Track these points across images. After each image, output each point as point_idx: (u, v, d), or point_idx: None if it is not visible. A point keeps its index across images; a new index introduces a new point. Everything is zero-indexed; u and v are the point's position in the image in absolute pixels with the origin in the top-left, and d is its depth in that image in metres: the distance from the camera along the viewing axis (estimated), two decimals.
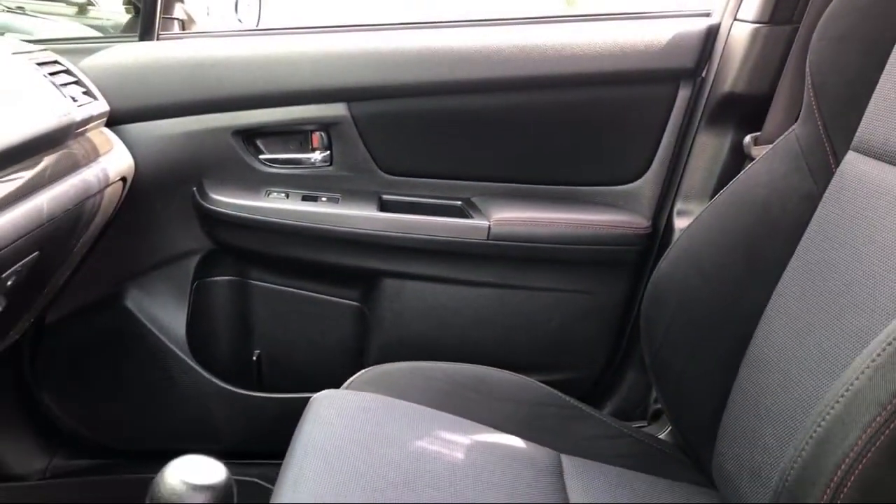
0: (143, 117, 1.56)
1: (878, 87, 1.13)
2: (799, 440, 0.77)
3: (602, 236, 1.61)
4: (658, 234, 1.63)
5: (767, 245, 1.21)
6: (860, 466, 0.72)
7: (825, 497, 0.73)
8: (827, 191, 1.16)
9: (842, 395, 0.75)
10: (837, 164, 1.17)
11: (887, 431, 0.71)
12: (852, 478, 0.72)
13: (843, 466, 0.72)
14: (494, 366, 1.43)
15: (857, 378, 0.75)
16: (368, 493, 1.02)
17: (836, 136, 1.18)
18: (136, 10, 1.64)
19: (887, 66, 1.11)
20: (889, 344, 0.74)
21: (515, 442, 1.24)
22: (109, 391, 1.73)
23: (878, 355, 0.74)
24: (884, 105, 1.10)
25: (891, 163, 1.06)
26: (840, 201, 1.14)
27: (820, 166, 1.19)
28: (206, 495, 0.58)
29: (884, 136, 1.08)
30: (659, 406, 1.70)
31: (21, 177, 1.08)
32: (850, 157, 1.14)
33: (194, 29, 1.69)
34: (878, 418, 0.71)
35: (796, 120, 1.26)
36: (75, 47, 1.58)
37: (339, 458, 1.08)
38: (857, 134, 1.14)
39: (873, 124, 1.12)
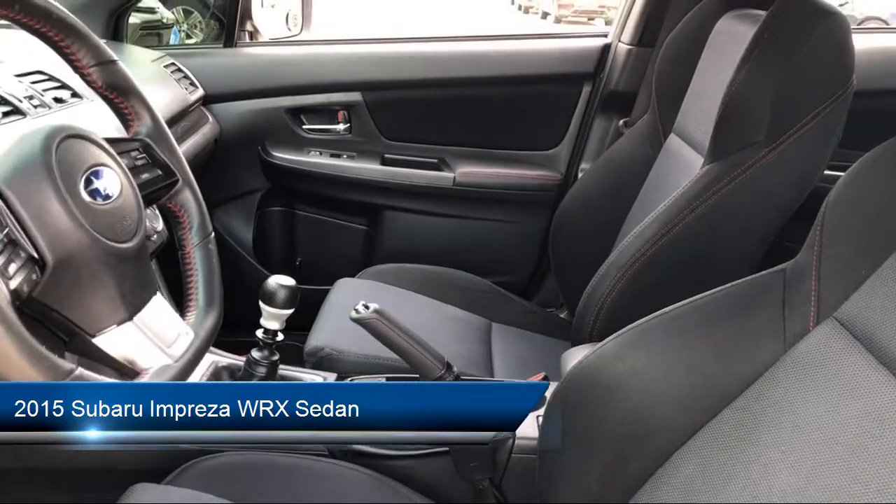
0: (227, 99, 1.88)
1: (686, 94, 1.48)
2: (586, 290, 1.22)
3: (531, 184, 1.92)
4: (568, 184, 1.91)
5: (624, 191, 1.54)
6: (608, 301, 1.13)
7: (592, 317, 1.14)
8: (657, 159, 1.53)
9: (608, 263, 1.18)
10: (665, 141, 1.52)
11: (622, 283, 1.14)
12: (605, 306, 1.13)
13: (600, 300, 1.13)
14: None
15: (614, 254, 1.19)
16: None
17: (665, 124, 1.53)
18: (221, 25, 1.99)
19: (692, 81, 1.46)
20: (632, 236, 1.18)
21: (462, 313, 1.57)
22: None
23: (625, 241, 1.18)
24: (687, 106, 1.46)
25: (684, 141, 1.42)
26: (659, 165, 1.50)
27: (656, 143, 1.54)
28: (285, 290, 1.05)
29: (683, 124, 1.45)
30: None
31: None
32: (671, 137, 1.50)
33: (259, 38, 2.02)
34: (617, 275, 1.14)
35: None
36: (182, 52, 1.90)
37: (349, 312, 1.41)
38: (675, 123, 1.49)
39: (682, 117, 1.47)
